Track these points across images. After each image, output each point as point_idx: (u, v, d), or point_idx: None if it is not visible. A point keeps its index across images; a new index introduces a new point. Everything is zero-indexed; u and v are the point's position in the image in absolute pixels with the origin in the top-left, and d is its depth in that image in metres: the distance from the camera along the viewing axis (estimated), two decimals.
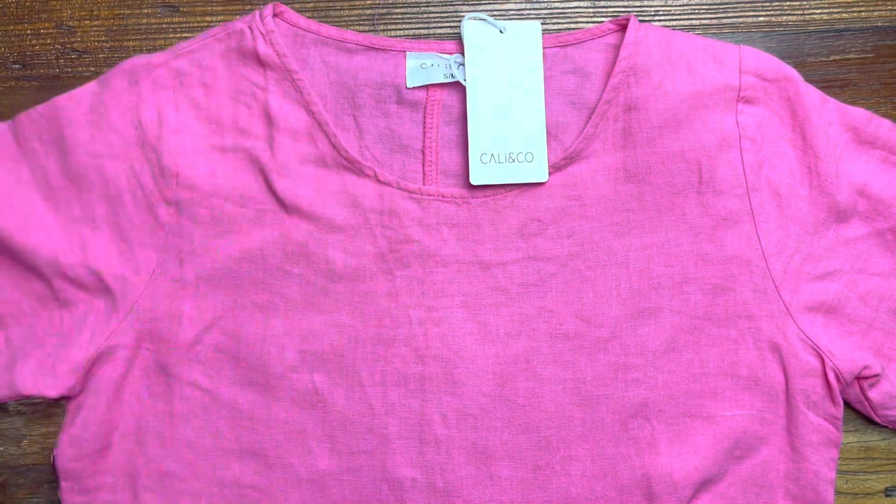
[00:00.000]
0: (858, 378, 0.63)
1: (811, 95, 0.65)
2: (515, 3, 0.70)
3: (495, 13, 0.70)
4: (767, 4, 0.70)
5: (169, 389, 0.63)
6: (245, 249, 0.64)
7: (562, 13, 0.70)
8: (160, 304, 0.63)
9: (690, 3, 0.70)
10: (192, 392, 0.63)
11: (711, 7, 0.70)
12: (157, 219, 0.64)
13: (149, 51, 0.69)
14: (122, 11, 0.70)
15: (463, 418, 0.62)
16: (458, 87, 0.66)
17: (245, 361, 0.63)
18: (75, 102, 0.64)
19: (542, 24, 0.70)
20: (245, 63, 0.65)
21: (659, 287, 0.64)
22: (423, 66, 0.66)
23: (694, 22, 0.70)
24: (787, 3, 0.70)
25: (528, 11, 0.70)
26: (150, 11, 0.70)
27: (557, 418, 0.63)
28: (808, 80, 0.66)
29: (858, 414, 0.66)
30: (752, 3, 0.70)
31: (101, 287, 0.63)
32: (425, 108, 0.66)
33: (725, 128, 0.64)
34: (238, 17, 0.69)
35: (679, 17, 0.70)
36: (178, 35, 0.70)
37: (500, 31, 0.66)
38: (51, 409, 0.66)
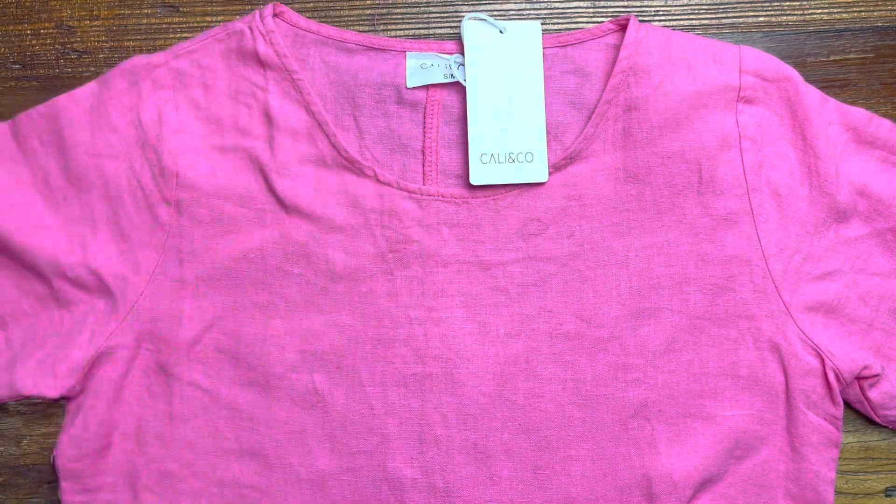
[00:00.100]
0: (858, 378, 0.63)
1: (811, 95, 0.65)
2: (515, 3, 0.70)
3: (495, 13, 0.70)
4: (767, 4, 0.70)
5: (169, 389, 0.63)
6: (245, 249, 0.64)
7: (562, 13, 0.70)
8: (160, 305, 0.63)
9: (690, 3, 0.70)
10: (192, 392, 0.63)
11: (711, 7, 0.70)
12: (157, 219, 0.64)
13: (149, 51, 0.69)
14: (122, 11, 0.70)
15: (463, 418, 0.62)
16: (458, 87, 0.66)
17: (245, 361, 0.63)
18: (75, 102, 0.64)
19: (542, 24, 0.70)
20: (245, 63, 0.65)
21: (659, 287, 0.64)
22: (423, 66, 0.66)
23: (694, 22, 0.70)
24: (787, 3, 0.70)
25: (528, 11, 0.70)
26: (150, 11, 0.70)
27: (557, 418, 0.63)
28: (808, 80, 0.66)
29: (858, 414, 0.66)
30: (752, 3, 0.70)
31: (101, 287, 0.63)
32: (425, 108, 0.66)
33: (725, 128, 0.64)
34: (238, 17, 0.69)
35: (679, 17, 0.70)
36: (178, 35, 0.70)
37: (500, 31, 0.66)
38: (51, 409, 0.66)
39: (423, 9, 0.70)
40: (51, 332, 0.63)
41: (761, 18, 0.70)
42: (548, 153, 0.65)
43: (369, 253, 0.64)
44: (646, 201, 0.64)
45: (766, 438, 0.63)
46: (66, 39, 0.70)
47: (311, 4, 0.70)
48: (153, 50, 0.69)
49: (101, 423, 0.62)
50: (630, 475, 0.62)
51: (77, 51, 0.70)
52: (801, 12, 0.70)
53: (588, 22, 0.70)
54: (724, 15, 0.70)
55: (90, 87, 0.65)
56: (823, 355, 0.62)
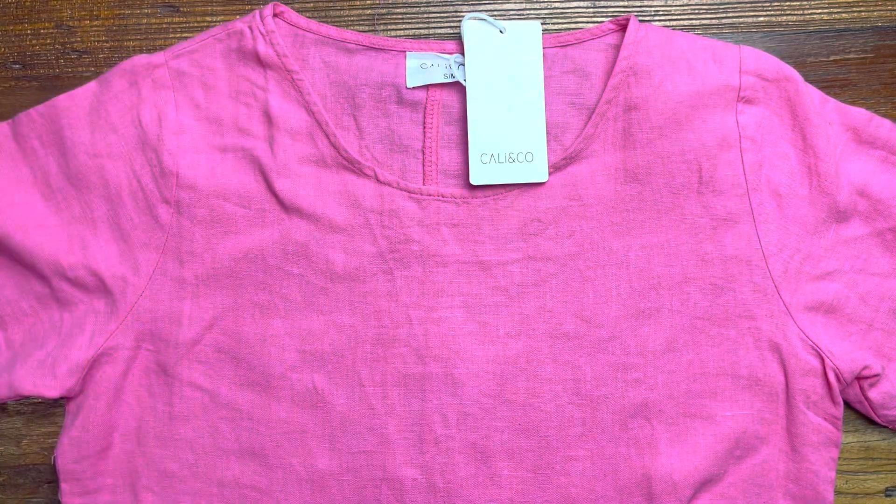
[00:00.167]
0: (858, 378, 0.63)
1: (811, 95, 0.65)
2: (515, 3, 0.70)
3: (495, 13, 0.70)
4: (767, 4, 0.70)
5: (169, 390, 0.63)
6: (245, 249, 0.64)
7: (562, 13, 0.70)
8: (160, 305, 0.63)
9: (690, 3, 0.70)
10: (192, 392, 0.63)
11: (711, 7, 0.70)
12: (157, 219, 0.64)
13: (149, 51, 0.69)
14: (122, 11, 0.70)
15: (463, 418, 0.62)
16: (458, 87, 0.66)
17: (245, 361, 0.63)
18: (75, 102, 0.64)
19: (542, 24, 0.70)
20: (245, 63, 0.65)
21: (659, 287, 0.64)
22: (423, 66, 0.66)
23: (694, 22, 0.70)
24: (787, 3, 0.70)
25: (528, 11, 0.70)
26: (150, 11, 0.70)
27: (557, 418, 0.63)
28: (808, 80, 0.66)
29: (858, 414, 0.66)
30: (752, 3, 0.70)
31: (100, 287, 0.63)
32: (425, 108, 0.66)
33: (725, 128, 0.64)
34: (238, 17, 0.69)
35: (679, 17, 0.70)
36: (178, 35, 0.70)
37: (500, 31, 0.66)
38: (51, 409, 0.66)
39: (423, 9, 0.70)
40: (51, 333, 0.63)
41: (761, 18, 0.70)
42: (548, 153, 0.65)
43: (369, 253, 0.64)
44: (646, 201, 0.64)
45: (766, 438, 0.63)
46: (66, 39, 0.70)
47: (311, 4, 0.70)
48: (153, 50, 0.69)
49: (101, 424, 0.62)
50: (630, 475, 0.62)
51: (77, 51, 0.70)
52: (801, 12, 0.70)
53: (588, 22, 0.70)
54: (724, 15, 0.70)
55: (90, 87, 0.65)
56: (824, 355, 0.62)
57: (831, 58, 0.70)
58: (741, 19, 0.70)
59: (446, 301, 0.64)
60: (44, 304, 0.64)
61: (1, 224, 0.63)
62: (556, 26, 0.70)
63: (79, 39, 0.70)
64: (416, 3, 0.70)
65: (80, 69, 0.70)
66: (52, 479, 0.66)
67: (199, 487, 0.63)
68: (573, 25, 0.70)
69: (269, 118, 0.64)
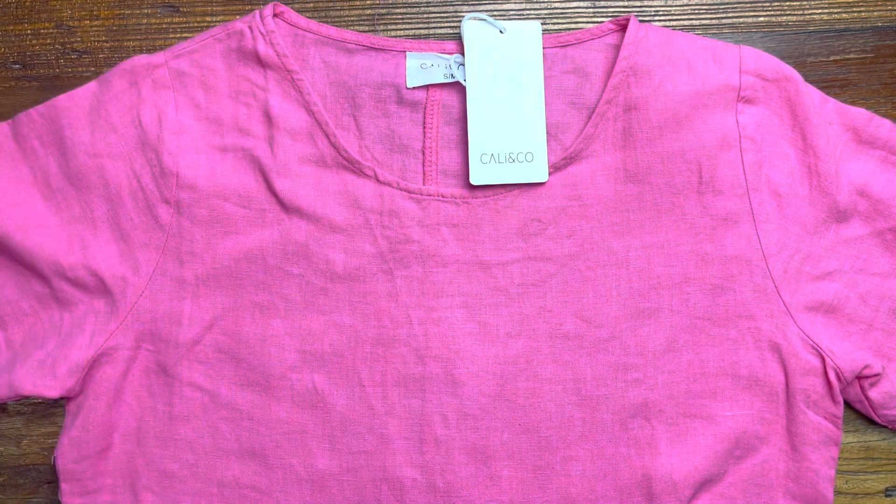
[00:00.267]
0: (859, 377, 0.63)
1: (811, 95, 0.65)
2: (515, 3, 0.70)
3: (495, 13, 0.70)
4: (767, 4, 0.70)
5: (169, 390, 0.63)
6: (245, 249, 0.64)
7: (562, 13, 0.70)
8: (160, 305, 0.63)
9: (690, 3, 0.70)
10: (192, 392, 0.63)
11: (711, 7, 0.70)
12: (157, 219, 0.64)
13: (149, 51, 0.69)
14: (122, 11, 0.70)
15: (463, 418, 0.62)
16: (458, 87, 0.66)
17: (245, 362, 0.63)
18: (75, 102, 0.64)
19: (542, 24, 0.70)
20: (245, 63, 0.65)
21: (659, 287, 0.64)
22: (423, 66, 0.66)
23: (694, 22, 0.70)
24: (787, 3, 0.70)
25: (528, 11, 0.70)
26: (150, 11, 0.70)
27: (557, 418, 0.63)
28: (808, 80, 0.66)
29: (859, 414, 0.66)
30: (752, 3, 0.70)
31: (100, 287, 0.63)
32: (425, 108, 0.66)
33: (725, 128, 0.64)
34: (238, 17, 0.69)
35: (679, 17, 0.70)
36: (178, 35, 0.70)
37: (500, 31, 0.66)
38: (51, 409, 0.66)
39: (423, 9, 0.70)
40: (51, 333, 0.63)
41: (761, 18, 0.70)
42: (548, 153, 0.65)
43: (369, 253, 0.64)
44: (646, 201, 0.64)
45: (766, 438, 0.63)
46: (66, 39, 0.70)
47: (311, 4, 0.70)
48: (153, 50, 0.69)
49: (101, 424, 0.62)
50: (630, 475, 0.62)
51: (77, 51, 0.70)
52: (801, 12, 0.70)
53: (588, 22, 0.70)
54: (724, 15, 0.70)
55: (90, 87, 0.65)
56: (824, 354, 0.62)
57: (831, 58, 0.70)
58: (741, 19, 0.70)
59: (446, 301, 0.64)
60: (44, 304, 0.64)
61: (1, 224, 0.63)
62: (556, 26, 0.70)
63: (79, 39, 0.70)
64: (416, 3, 0.70)
65: (80, 69, 0.70)
66: (52, 479, 0.66)
67: (199, 487, 0.63)
68: (573, 25, 0.70)
69: (269, 118, 0.64)
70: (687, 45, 0.65)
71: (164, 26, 0.70)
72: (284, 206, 0.64)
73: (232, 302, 0.63)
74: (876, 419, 0.64)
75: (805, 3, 0.70)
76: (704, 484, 0.62)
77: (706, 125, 0.64)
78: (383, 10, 0.70)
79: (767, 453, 0.63)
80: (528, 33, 0.66)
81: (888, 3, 0.70)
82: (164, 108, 0.64)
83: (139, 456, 0.63)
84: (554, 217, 0.64)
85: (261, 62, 0.65)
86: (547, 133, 0.65)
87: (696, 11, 0.70)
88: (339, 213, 0.64)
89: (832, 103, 0.66)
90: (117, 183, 0.64)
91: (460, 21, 0.69)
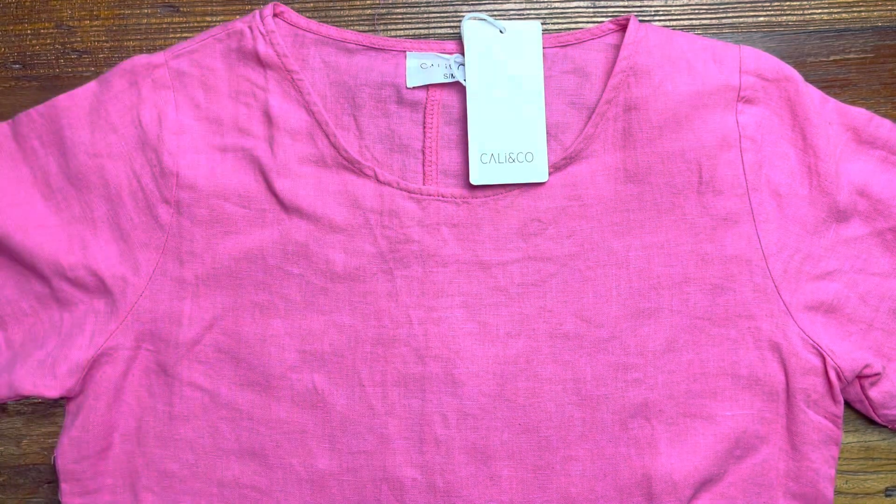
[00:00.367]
0: (859, 377, 0.63)
1: (811, 95, 0.65)
2: (515, 3, 0.70)
3: (495, 13, 0.70)
4: (767, 4, 0.70)
5: (169, 390, 0.63)
6: (245, 249, 0.64)
7: (562, 13, 0.70)
8: (160, 305, 0.63)
9: (690, 3, 0.70)
10: (192, 392, 0.63)
11: (711, 7, 0.70)
12: (157, 219, 0.64)
13: (149, 51, 0.69)
14: (122, 11, 0.70)
15: (463, 418, 0.62)
16: (458, 87, 0.66)
17: (245, 361, 0.63)
18: (75, 102, 0.64)
19: (542, 24, 0.70)
20: (245, 63, 0.65)
21: (659, 287, 0.64)
22: (423, 66, 0.66)
23: (694, 22, 0.70)
24: (787, 3, 0.70)
25: (528, 11, 0.70)
26: (150, 11, 0.70)
27: (557, 418, 0.63)
28: (808, 80, 0.66)
29: (859, 414, 0.66)
30: (752, 3, 0.70)
31: (100, 287, 0.63)
32: (425, 108, 0.66)
33: (725, 128, 0.64)
34: (238, 17, 0.69)
35: (679, 17, 0.70)
36: (178, 35, 0.70)
37: (500, 31, 0.66)
38: (51, 409, 0.66)
39: (423, 9, 0.70)
40: (51, 333, 0.63)
41: (761, 18, 0.70)
42: (548, 153, 0.65)
43: (369, 253, 0.64)
44: (646, 201, 0.64)
45: (766, 437, 0.63)
46: (66, 39, 0.70)
47: (311, 4, 0.70)
48: (153, 50, 0.69)
49: (101, 424, 0.62)
50: (630, 475, 0.62)
51: (77, 51, 0.70)
52: (801, 12, 0.70)
53: (588, 22, 0.70)
54: (724, 15, 0.70)
55: (90, 87, 0.65)
56: (825, 354, 0.62)
57: (831, 58, 0.70)
58: (741, 19, 0.70)
59: (446, 301, 0.64)
60: (44, 304, 0.64)
61: (1, 224, 0.63)
62: (556, 26, 0.70)
63: (79, 39, 0.70)
64: (416, 3, 0.70)
65: (80, 69, 0.70)
66: (52, 479, 0.66)
67: (199, 487, 0.63)
68: (573, 25, 0.70)
69: (269, 118, 0.64)
70: (687, 45, 0.65)
71: (164, 26, 0.70)
72: (284, 206, 0.64)
73: (232, 302, 0.63)
74: (876, 419, 0.64)
75: (805, 3, 0.70)
76: (704, 484, 0.62)
77: (706, 125, 0.64)
78: (383, 10, 0.70)
79: (767, 453, 0.63)
80: (528, 33, 0.66)
81: (888, 3, 0.70)
82: (164, 107, 0.64)
83: (139, 456, 0.63)
84: (554, 217, 0.64)
85: (261, 62, 0.65)
86: (547, 133, 0.65)
87: (696, 11, 0.70)
88: (339, 213, 0.64)
89: (832, 103, 0.66)
90: (117, 183, 0.64)
91: (460, 21, 0.69)
